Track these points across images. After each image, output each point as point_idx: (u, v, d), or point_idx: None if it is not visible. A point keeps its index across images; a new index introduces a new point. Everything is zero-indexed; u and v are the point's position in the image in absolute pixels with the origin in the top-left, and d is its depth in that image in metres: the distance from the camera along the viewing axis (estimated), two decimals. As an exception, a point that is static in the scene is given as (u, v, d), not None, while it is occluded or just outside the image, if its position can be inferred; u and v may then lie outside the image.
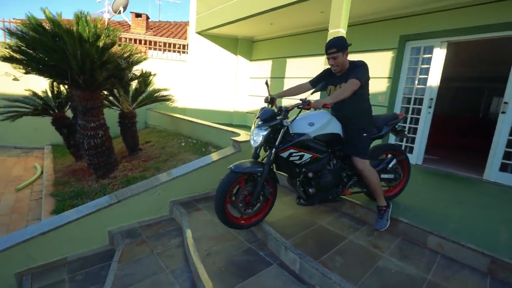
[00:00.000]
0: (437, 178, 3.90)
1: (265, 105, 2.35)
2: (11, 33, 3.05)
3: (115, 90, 5.06)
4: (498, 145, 3.80)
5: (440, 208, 2.70)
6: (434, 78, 4.34)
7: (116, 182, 4.18)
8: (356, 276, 1.77)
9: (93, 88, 3.69)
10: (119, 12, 8.92)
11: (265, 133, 2.05)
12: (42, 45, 2.98)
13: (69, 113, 5.79)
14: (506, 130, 3.73)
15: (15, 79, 7.40)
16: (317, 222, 2.51)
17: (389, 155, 2.69)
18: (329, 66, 2.31)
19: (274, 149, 2.09)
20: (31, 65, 3.22)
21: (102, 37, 3.37)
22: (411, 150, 4.69)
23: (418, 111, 4.57)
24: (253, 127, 2.15)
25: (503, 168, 3.80)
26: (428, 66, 4.39)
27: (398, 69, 4.76)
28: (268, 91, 2.39)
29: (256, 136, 2.09)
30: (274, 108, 2.29)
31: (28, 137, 7.78)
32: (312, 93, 2.20)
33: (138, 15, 8.94)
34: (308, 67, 6.41)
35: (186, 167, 3.32)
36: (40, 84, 6.31)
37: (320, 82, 2.37)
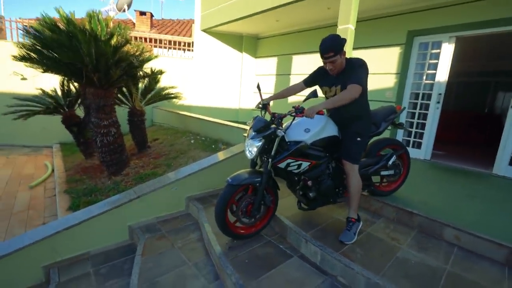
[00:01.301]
0: (446, 173, 3.94)
1: (258, 111, 2.28)
2: (28, 32, 3.10)
3: (124, 88, 5.11)
4: (507, 139, 3.83)
5: (453, 202, 2.74)
6: (443, 73, 4.35)
7: (129, 179, 4.24)
8: (378, 267, 1.82)
9: (107, 86, 3.74)
10: (124, 10, 8.93)
11: (259, 144, 1.99)
12: (59, 44, 3.02)
13: (78, 112, 5.85)
14: (515, 124, 3.76)
15: (23, 78, 7.45)
16: (333, 216, 2.56)
17: (390, 151, 2.66)
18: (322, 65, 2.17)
19: (270, 160, 2.03)
20: (48, 64, 3.26)
21: (115, 36, 3.41)
22: (419, 145, 4.72)
23: (426, 107, 4.60)
24: (247, 138, 2.09)
25: (513, 162, 3.83)
26: (437, 61, 4.40)
27: (406, 64, 4.77)
28: (260, 96, 2.30)
29: (250, 147, 2.04)
30: (267, 113, 2.24)
31: (36, 136, 7.85)
32: (304, 101, 2.06)
33: (142, 13, 8.96)
34: (314, 63, 6.40)
35: (200, 163, 3.37)
36: (48, 83, 6.37)
37: (313, 81, 2.32)
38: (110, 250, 2.59)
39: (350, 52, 3.67)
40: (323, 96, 2.31)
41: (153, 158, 5.02)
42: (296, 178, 2.21)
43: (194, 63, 7.97)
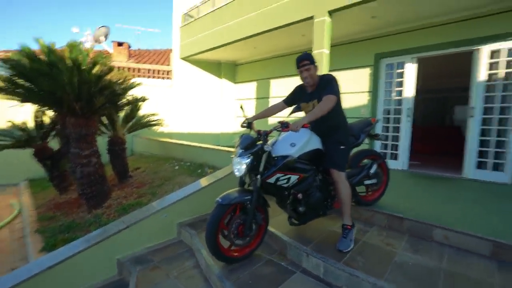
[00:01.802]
0: (424, 180, 4.19)
1: (243, 130, 2.33)
2: (6, 62, 2.99)
3: (104, 117, 4.99)
4: (471, 146, 4.22)
5: (434, 206, 2.92)
6: (409, 90, 4.80)
7: (111, 211, 4.01)
8: (380, 272, 1.86)
9: (88, 115, 3.64)
10: (100, 42, 8.95)
11: (247, 160, 1.99)
12: (39, 74, 2.95)
13: (51, 144, 5.55)
14: (476, 131, 4.17)
15: (-12, 112, 6.99)
16: (327, 228, 2.60)
17: (369, 161, 2.79)
18: (299, 84, 2.38)
19: (259, 177, 2.04)
20: (28, 94, 3.14)
21: (98, 64, 3.41)
22: (396, 156, 5.02)
23: (398, 120, 4.97)
24: (234, 156, 2.10)
25: (479, 166, 4.19)
26: (402, 79, 4.86)
27: (376, 83, 5.21)
28: (244, 115, 2.37)
29: (238, 165, 2.03)
30: (252, 131, 2.30)
31: (0, 173, 7.23)
32: (289, 115, 2.15)
33: (120, 44, 9.03)
34: (292, 86, 6.76)
35: (189, 188, 3.30)
36: (15, 116, 6.05)
37: (293, 100, 2.46)
38: (97, 288, 2.38)
39: (326, 73, 3.92)
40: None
41: (136, 188, 4.82)
42: (286, 193, 2.21)
43: (173, 90, 8.04)
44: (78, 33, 10.56)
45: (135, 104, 4.76)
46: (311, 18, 4.45)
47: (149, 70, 8.44)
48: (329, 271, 1.96)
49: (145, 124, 5.63)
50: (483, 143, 4.15)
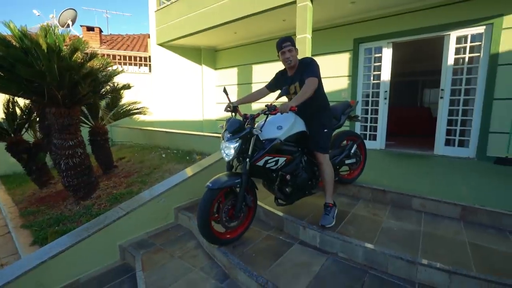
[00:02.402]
0: (400, 158, 4.56)
1: (225, 116, 2.36)
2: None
3: (83, 107, 4.79)
4: (441, 125, 4.63)
5: (410, 179, 3.25)
6: (386, 74, 5.08)
7: (102, 201, 3.95)
8: (370, 238, 2.10)
9: (71, 104, 3.50)
10: (68, 26, 8.32)
11: (236, 145, 2.00)
12: (16, 61, 2.77)
13: (26, 136, 5.25)
14: (445, 112, 4.57)
15: None
16: (319, 203, 2.78)
17: (349, 142, 2.96)
18: (280, 69, 2.48)
19: (248, 160, 2.06)
20: (2, 84, 2.94)
21: (78, 50, 3.25)
22: (375, 137, 5.37)
23: (377, 103, 5.28)
24: (222, 140, 2.11)
25: (447, 143, 4.63)
26: (380, 63, 5.13)
27: (355, 67, 5.44)
28: (229, 99, 2.38)
29: (227, 150, 2.05)
30: (238, 115, 2.32)
31: (-34, 170, 6.73)
32: (277, 98, 2.15)
33: (90, 29, 8.45)
34: (274, 71, 6.84)
35: (183, 174, 3.35)
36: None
37: (275, 85, 2.53)
38: (101, 274, 2.42)
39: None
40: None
41: (124, 177, 4.75)
42: (274, 175, 2.26)
43: (152, 77, 7.79)
44: (40, 16, 9.73)
45: (118, 92, 4.60)
46: (294, 3, 4.50)
47: (124, 56, 8.05)
48: (324, 240, 2.17)
49: (128, 113, 5.47)
50: (450, 122, 4.56)
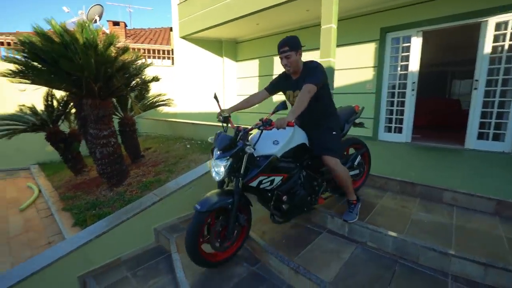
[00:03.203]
0: (428, 151, 4.43)
1: (219, 125, 2.13)
2: (24, 44, 2.99)
3: (114, 99, 5.02)
4: (474, 117, 4.42)
5: (440, 172, 3.16)
6: (414, 64, 4.90)
7: (133, 188, 4.18)
8: (400, 229, 2.10)
9: (105, 96, 3.70)
10: (95, 21, 8.65)
11: (227, 163, 1.81)
12: (60, 56, 2.97)
13: (62, 127, 5.61)
14: (479, 103, 4.36)
15: (-10, 97, 6.93)
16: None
17: (353, 151, 2.74)
18: (284, 70, 2.19)
19: (241, 179, 1.87)
20: (46, 78, 3.17)
21: (113, 44, 3.42)
22: (400, 130, 5.23)
23: (403, 95, 5.12)
24: (212, 158, 1.94)
25: (480, 136, 4.43)
26: (408, 53, 4.94)
27: (381, 58, 5.28)
28: (219, 106, 2.14)
29: (217, 168, 1.86)
30: (229, 125, 2.10)
31: (9, 158, 7.31)
32: (272, 113, 1.88)
33: (115, 23, 8.75)
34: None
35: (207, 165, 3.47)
36: (18, 99, 6.03)
37: (277, 87, 2.27)
38: (139, 254, 2.61)
39: (334, 49, 3.97)
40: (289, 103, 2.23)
41: (151, 166, 4.98)
42: (269, 194, 2.06)
43: (175, 70, 7.97)
44: (69, 12, 10.15)
45: (146, 84, 4.78)
46: (320, -9, 4.41)
47: (149, 50, 8.28)
48: (353, 230, 2.20)
49: (154, 104, 5.68)
50: (484, 115, 4.34)
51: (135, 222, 2.62)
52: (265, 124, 1.78)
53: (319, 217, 2.46)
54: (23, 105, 4.93)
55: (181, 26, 7.81)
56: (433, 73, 9.45)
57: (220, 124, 2.16)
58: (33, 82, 3.57)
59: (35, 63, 3.34)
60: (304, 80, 1.97)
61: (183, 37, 7.87)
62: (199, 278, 1.99)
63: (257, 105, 2.33)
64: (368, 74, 5.52)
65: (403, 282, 1.71)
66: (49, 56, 3.12)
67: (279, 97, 2.46)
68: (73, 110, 5.61)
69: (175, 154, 5.24)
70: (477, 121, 4.40)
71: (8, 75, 3.49)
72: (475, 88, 4.37)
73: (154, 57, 8.43)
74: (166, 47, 8.58)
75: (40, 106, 5.31)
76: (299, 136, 2.13)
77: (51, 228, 3.93)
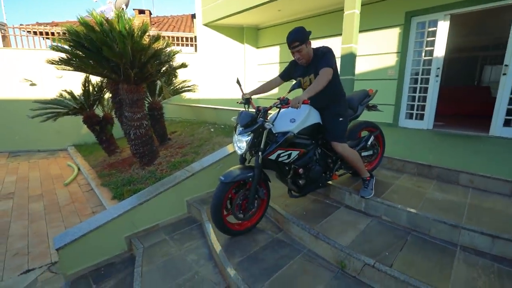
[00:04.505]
0: (450, 138, 4.42)
1: (242, 107, 2.29)
2: (69, 33, 3.34)
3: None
4: (501, 103, 4.33)
5: (461, 158, 3.22)
6: (440, 49, 4.80)
7: (163, 168, 4.56)
8: (414, 205, 2.26)
9: (138, 82, 4.02)
10: (122, 10, 9.00)
11: (248, 138, 1.99)
12: (102, 44, 3.29)
13: (96, 111, 6.09)
14: (508, 89, 4.25)
15: (32, 84, 7.56)
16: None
17: (366, 133, 2.84)
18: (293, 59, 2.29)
19: (260, 153, 2.05)
20: (89, 64, 3.51)
21: (147, 33, 3.69)
22: (422, 116, 5.20)
23: (426, 81, 5.06)
24: (234, 134, 2.12)
25: (507, 123, 4.34)
26: (434, 38, 4.84)
27: (405, 43, 5.20)
28: (242, 90, 2.34)
29: (239, 143, 2.06)
30: (251, 107, 2.29)
31: (50, 140, 8.02)
32: (289, 92, 2.01)
33: (141, 12, 9.08)
34: (317, 49, 6.79)
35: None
36: (57, 85, 6.57)
37: (288, 75, 2.43)
38: (174, 222, 2.96)
39: (356, 35, 3.99)
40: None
41: (178, 148, 5.34)
42: (286, 168, 2.26)
43: (198, 57, 8.21)
44: (97, 1, 10.57)
45: (174, 71, 5.07)
46: (344, -24, 4.39)
47: (172, 37, 8.56)
48: (369, 205, 2.39)
49: (181, 90, 5.99)
50: (512, 101, 4.24)
51: (170, 194, 2.95)
52: (282, 103, 1.93)
53: (337, 194, 2.65)
54: (65, 90, 5.39)
55: (204, 13, 7.98)
56: (461, 59, 9.04)
57: (242, 108, 2.40)
58: (76, 69, 3.95)
59: (79, 52, 3.68)
60: (317, 66, 2.11)
61: (206, 24, 8.05)
62: (229, 242, 2.27)
63: (276, 89, 2.53)
64: (390, 60, 5.46)
65: (413, 249, 1.90)
66: (93, 45, 3.44)
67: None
68: (106, 96, 6.07)
69: (200, 137, 5.56)
70: (505, 107, 4.31)
71: (55, 63, 3.88)
72: (504, 74, 4.25)
73: (177, 45, 8.70)
74: (189, 35, 8.82)
75: (75, 92, 5.79)
76: (314, 116, 2.29)
77: (93, 200, 4.42)
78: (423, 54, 5.04)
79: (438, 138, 4.47)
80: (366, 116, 2.94)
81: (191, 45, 8.86)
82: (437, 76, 4.91)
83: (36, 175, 5.73)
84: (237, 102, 2.37)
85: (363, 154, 2.75)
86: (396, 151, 3.34)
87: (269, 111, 2.11)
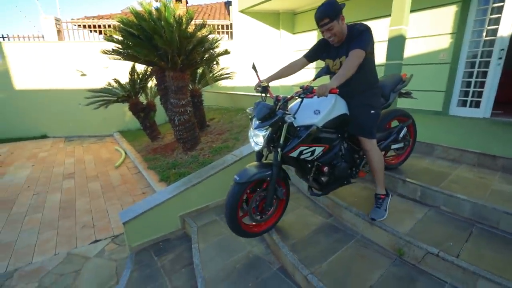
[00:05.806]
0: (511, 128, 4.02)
1: (258, 95, 2.02)
2: (123, 23, 3.55)
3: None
4: None
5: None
6: (506, 28, 4.29)
7: (205, 153, 4.75)
8: (479, 196, 2.11)
9: (184, 69, 4.16)
10: None
11: (266, 133, 1.76)
12: (154, 32, 3.44)
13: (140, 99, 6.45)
14: None
15: (83, 74, 8.20)
16: (415, 165, 2.84)
17: (399, 124, 2.57)
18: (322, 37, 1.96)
19: (280, 149, 1.81)
20: (143, 52, 3.71)
21: (192, 21, 3.78)
22: (477, 104, 4.77)
23: (486, 64, 4.59)
24: (251, 127, 1.89)
25: None
26: (499, 15, 4.34)
27: (463, 23, 4.73)
28: (258, 77, 2.02)
29: (256, 138, 1.83)
30: (268, 96, 2.00)
31: (99, 126, 8.72)
32: (314, 79, 1.82)
33: (178, 0, 9.26)
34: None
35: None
36: (103, 75, 7.04)
37: (316, 54, 2.08)
38: (222, 204, 3.09)
39: (407, 15, 3.72)
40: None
41: (217, 134, 5.50)
42: (309, 166, 1.99)
43: (234, 44, 8.25)
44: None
45: (216, 58, 5.17)
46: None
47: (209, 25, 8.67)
48: (426, 194, 2.28)
49: (220, 77, 6.11)
50: None
51: (219, 177, 3.07)
52: (306, 92, 1.68)
53: (389, 182, 2.57)
54: (114, 79, 5.76)
55: (240, 0, 7.93)
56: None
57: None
58: (127, 58, 4.18)
59: (130, 42, 3.89)
60: (350, 46, 1.78)
61: (242, 11, 8.01)
62: (282, 225, 2.33)
63: (297, 72, 2.18)
64: (443, 42, 5.02)
65: (481, 241, 1.80)
66: (144, 34, 3.61)
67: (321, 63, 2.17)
68: (149, 84, 6.39)
69: (239, 124, 5.66)
70: None
71: (108, 53, 4.14)
72: None
73: (213, 32, 8.81)
74: (224, 22, 8.85)
75: (120, 81, 6.17)
76: (340, 106, 1.99)
77: (142, 182, 4.77)
78: (484, 34, 4.56)
79: (498, 127, 4.08)
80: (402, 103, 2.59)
81: (226, 32, 8.91)
82: (499, 58, 4.43)
83: (90, 158, 6.29)
84: (254, 90, 2.06)
85: (393, 147, 2.48)
86: (451, 140, 3.13)
87: (289, 102, 1.85)
